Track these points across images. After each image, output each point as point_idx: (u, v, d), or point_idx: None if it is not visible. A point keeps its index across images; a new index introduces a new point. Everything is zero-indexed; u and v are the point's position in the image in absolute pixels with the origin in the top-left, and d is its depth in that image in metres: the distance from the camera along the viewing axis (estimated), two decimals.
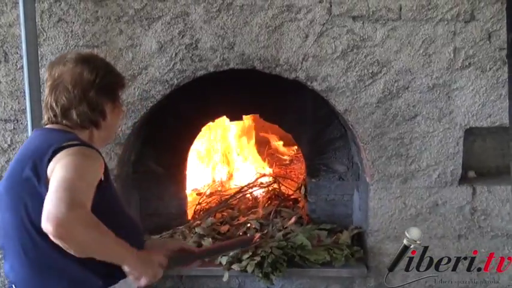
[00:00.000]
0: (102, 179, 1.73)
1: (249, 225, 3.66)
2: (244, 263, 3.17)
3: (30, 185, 1.68)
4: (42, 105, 2.87)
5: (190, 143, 3.84)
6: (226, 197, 4.17)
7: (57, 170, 1.61)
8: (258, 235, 3.16)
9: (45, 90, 1.86)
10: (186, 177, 3.86)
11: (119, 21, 2.98)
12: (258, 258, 3.15)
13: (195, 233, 3.50)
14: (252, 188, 4.21)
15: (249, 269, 3.13)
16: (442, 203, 3.19)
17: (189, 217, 3.88)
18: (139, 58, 3.01)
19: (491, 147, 3.37)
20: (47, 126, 1.86)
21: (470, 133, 3.24)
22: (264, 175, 4.42)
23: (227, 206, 4.04)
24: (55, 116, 1.82)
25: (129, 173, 3.53)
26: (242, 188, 4.23)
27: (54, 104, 1.81)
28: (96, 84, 1.82)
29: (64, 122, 1.83)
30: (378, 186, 3.19)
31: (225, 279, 3.20)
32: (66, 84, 1.79)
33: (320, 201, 3.78)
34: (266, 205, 4.04)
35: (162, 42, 3.00)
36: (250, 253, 3.20)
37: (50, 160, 1.65)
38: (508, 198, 3.17)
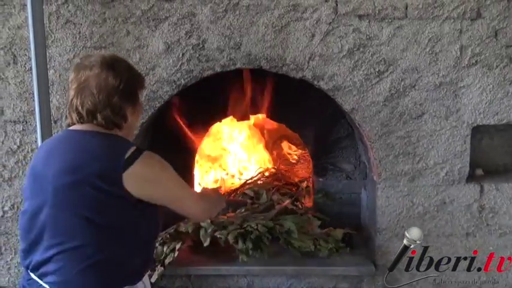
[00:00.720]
0: None
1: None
2: (225, 232, 3.23)
3: (103, 190, 1.83)
4: (50, 107, 2.94)
5: (198, 143, 3.85)
6: (229, 191, 4.19)
7: (163, 190, 1.98)
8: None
9: (70, 92, 1.97)
10: (194, 177, 3.88)
11: (126, 23, 3.00)
12: (241, 231, 3.22)
13: None
14: (255, 181, 4.23)
15: (230, 238, 3.19)
16: (449, 201, 3.19)
17: None
18: (147, 59, 3.03)
19: (498, 145, 3.37)
20: (84, 128, 1.96)
21: (478, 131, 3.24)
22: (268, 169, 4.42)
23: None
24: (81, 117, 1.95)
25: None
26: (246, 181, 4.24)
27: (80, 107, 1.93)
28: (120, 90, 1.94)
29: (94, 122, 1.95)
30: (385, 185, 3.20)
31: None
32: (92, 89, 1.91)
33: (327, 201, 3.79)
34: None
35: (169, 42, 3.01)
36: (238, 225, 3.27)
37: (124, 169, 1.85)
38: None
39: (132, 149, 1.91)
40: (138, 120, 2.17)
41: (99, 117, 1.93)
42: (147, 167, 1.91)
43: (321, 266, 3.25)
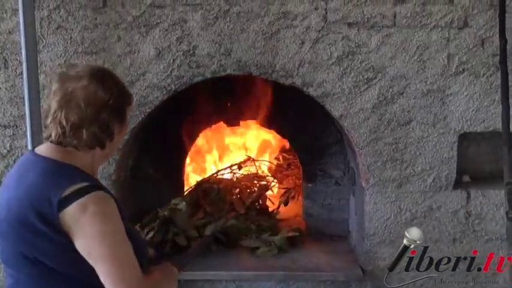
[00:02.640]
0: None
1: None
2: None
3: (36, 229, 1.63)
4: (41, 112, 2.93)
5: (188, 148, 3.87)
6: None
7: (90, 243, 1.62)
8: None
9: (52, 103, 1.73)
10: (183, 183, 3.89)
11: (117, 28, 3.02)
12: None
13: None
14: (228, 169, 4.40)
15: None
16: (436, 207, 3.22)
17: None
18: (137, 64, 3.05)
19: (485, 152, 3.40)
20: (43, 153, 1.76)
21: (465, 138, 3.27)
22: (249, 159, 4.54)
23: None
24: (64, 133, 1.71)
25: (127, 178, 3.56)
26: (219, 171, 4.37)
27: (64, 121, 1.70)
28: (109, 105, 1.74)
29: (74, 142, 1.73)
30: (373, 191, 3.22)
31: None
32: (79, 102, 1.70)
33: (316, 206, 3.81)
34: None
35: (160, 48, 3.03)
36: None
37: (59, 210, 1.60)
38: (502, 202, 3.19)
39: (74, 187, 1.64)
40: (122, 138, 1.95)
41: (85, 133, 1.71)
42: (86, 219, 1.62)
43: (309, 271, 3.27)
